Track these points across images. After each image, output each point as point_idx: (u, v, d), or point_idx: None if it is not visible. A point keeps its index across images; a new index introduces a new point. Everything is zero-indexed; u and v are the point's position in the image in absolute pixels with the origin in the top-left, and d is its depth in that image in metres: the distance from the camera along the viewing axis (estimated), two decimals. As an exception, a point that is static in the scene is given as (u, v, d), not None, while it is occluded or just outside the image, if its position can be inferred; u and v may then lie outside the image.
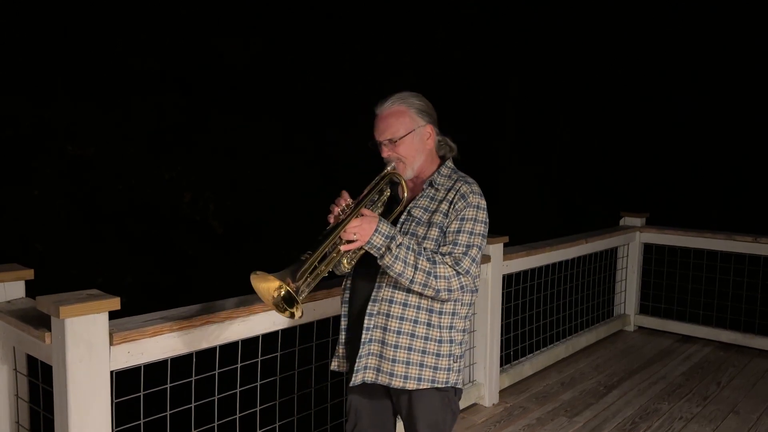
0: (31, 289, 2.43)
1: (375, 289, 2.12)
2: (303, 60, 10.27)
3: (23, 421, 2.43)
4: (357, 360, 2.12)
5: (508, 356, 4.34)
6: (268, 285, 1.86)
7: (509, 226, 4.09)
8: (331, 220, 2.00)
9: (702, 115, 11.87)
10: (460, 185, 2.14)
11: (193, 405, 2.47)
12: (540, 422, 3.74)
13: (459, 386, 2.19)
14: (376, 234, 1.97)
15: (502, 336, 4.11)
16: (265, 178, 9.65)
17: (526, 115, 12.65)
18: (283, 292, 1.85)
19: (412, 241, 2.03)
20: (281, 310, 1.88)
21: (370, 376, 2.12)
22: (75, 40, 8.30)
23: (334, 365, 2.31)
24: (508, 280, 4.18)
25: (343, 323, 2.26)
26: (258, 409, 2.70)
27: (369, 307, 2.12)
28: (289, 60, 10.15)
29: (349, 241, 1.96)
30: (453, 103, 10.95)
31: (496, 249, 3.91)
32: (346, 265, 2.11)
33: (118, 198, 8.56)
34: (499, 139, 12.51)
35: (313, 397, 2.99)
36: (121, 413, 2.24)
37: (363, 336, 2.12)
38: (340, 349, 2.29)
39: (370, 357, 2.12)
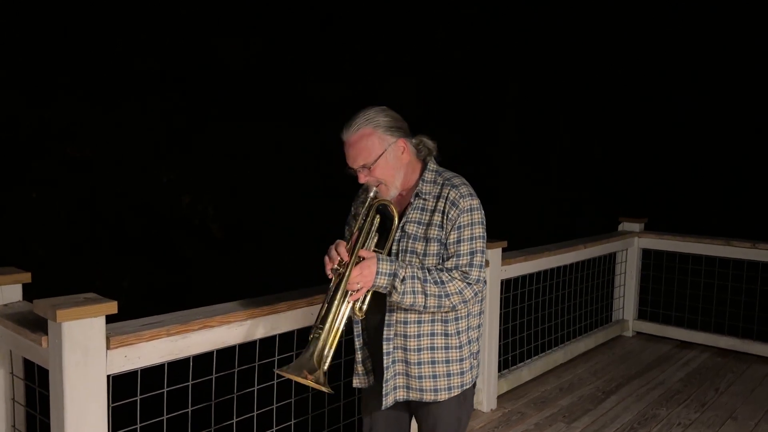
0: (29, 293, 2.43)
1: (387, 314, 2.11)
2: (303, 61, 10.28)
3: (19, 425, 2.42)
4: (384, 384, 2.12)
5: (506, 361, 4.33)
6: (298, 379, 1.89)
7: (507, 230, 4.08)
8: (329, 274, 1.99)
9: (700, 120, 11.89)
10: (447, 191, 2.08)
11: (189, 409, 2.47)
12: (538, 428, 3.73)
13: (475, 378, 2.22)
14: (379, 276, 1.97)
15: (500, 341, 4.11)
16: (264, 180, 9.65)
17: (526, 118, 12.66)
18: (312, 380, 1.88)
19: (416, 268, 2.01)
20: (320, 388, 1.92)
21: (401, 395, 2.14)
22: (74, 42, 8.31)
23: (356, 383, 2.31)
24: (506, 285, 4.18)
25: (358, 343, 2.26)
26: (255, 413, 2.69)
27: (385, 332, 2.11)
28: (289, 61, 10.16)
29: (355, 291, 1.97)
30: (453, 105, 10.97)
31: (495, 254, 3.91)
32: (357, 313, 2.05)
33: (116, 200, 8.56)
34: (498, 143, 12.52)
35: (311, 403, 2.98)
36: (118, 418, 2.23)
37: (385, 361, 2.12)
38: (359, 368, 2.28)
39: (397, 377, 2.13)
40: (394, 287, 1.97)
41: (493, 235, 4.01)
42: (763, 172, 11.34)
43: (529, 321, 4.50)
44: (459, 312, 2.11)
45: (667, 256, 5.47)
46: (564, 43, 12.28)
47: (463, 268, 2.04)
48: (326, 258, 2.00)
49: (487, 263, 3.85)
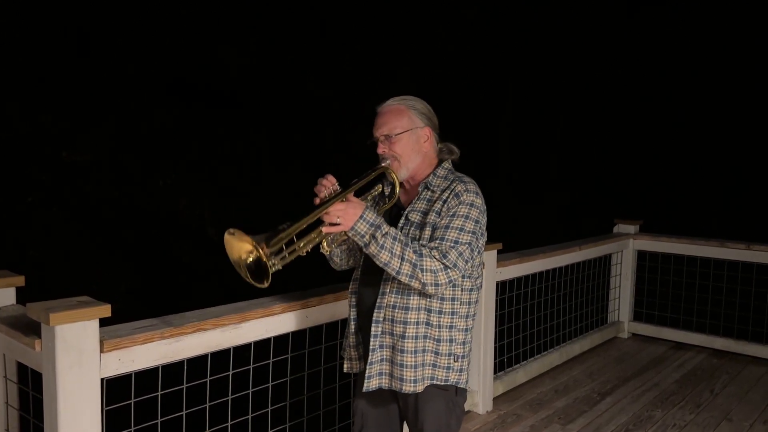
0: (23, 296, 2.43)
1: (379, 297, 2.14)
2: (301, 63, 10.29)
3: (13, 429, 2.42)
4: (368, 366, 2.13)
5: (502, 363, 4.34)
6: (240, 245, 1.83)
7: (503, 232, 4.09)
8: (317, 202, 1.99)
9: (696, 122, 11.92)
10: (455, 185, 2.12)
11: (184, 412, 2.47)
12: (533, 430, 3.74)
13: (461, 386, 2.19)
14: (361, 221, 1.96)
15: (495, 343, 4.11)
16: (261, 184, 9.65)
17: (523, 119, 12.68)
18: (252, 257, 1.82)
19: (400, 233, 2.02)
20: (246, 275, 1.84)
21: (385, 382, 2.15)
22: (71, 46, 8.31)
23: (347, 367, 2.32)
24: (502, 287, 4.18)
25: (352, 326, 2.28)
26: (250, 416, 2.69)
27: (375, 314, 2.14)
28: (288, 63, 10.16)
29: (333, 224, 1.96)
30: (450, 106, 10.99)
31: (490, 256, 3.92)
32: (326, 247, 2.09)
33: (112, 204, 8.55)
34: (495, 144, 12.54)
35: (306, 406, 2.98)
36: (112, 421, 2.23)
37: (372, 342, 2.13)
38: (352, 352, 2.29)
39: (383, 363, 2.14)
40: (373, 237, 1.97)
41: (488, 236, 4.04)
42: (758, 173, 11.38)
43: (525, 323, 4.51)
44: (444, 305, 2.11)
45: (663, 257, 5.48)
46: (562, 44, 12.31)
47: (443, 249, 2.02)
48: (317, 187, 2.01)
49: (483, 265, 3.86)
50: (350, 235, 1.99)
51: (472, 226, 2.08)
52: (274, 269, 1.83)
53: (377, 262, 2.01)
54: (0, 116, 7.81)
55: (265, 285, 1.84)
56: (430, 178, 2.19)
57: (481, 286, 2.28)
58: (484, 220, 2.15)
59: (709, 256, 5.22)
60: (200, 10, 9.41)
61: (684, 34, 11.83)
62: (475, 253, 2.13)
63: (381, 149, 2.18)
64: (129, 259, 8.36)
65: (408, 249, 1.99)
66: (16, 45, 7.88)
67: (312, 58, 10.35)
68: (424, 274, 1.99)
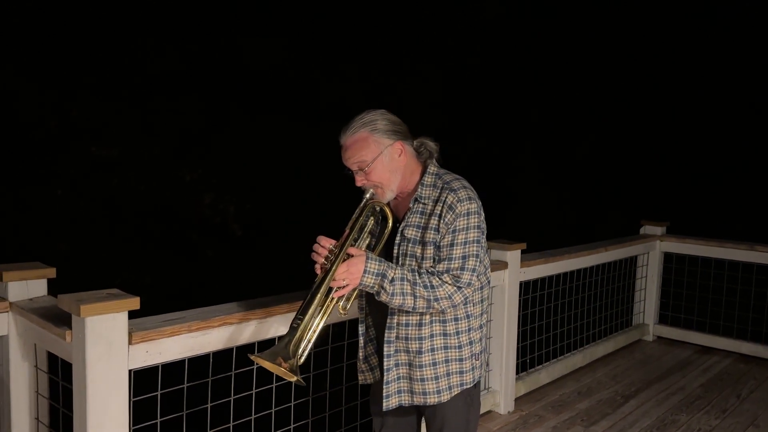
0: (54, 288, 2.47)
1: (389, 316, 2.12)
2: (326, 62, 10.31)
3: (42, 417, 2.47)
4: (385, 386, 2.13)
5: (524, 364, 4.32)
6: (267, 365, 1.88)
7: (527, 232, 4.07)
8: (318, 270, 1.98)
9: (725, 123, 11.73)
10: (445, 195, 2.04)
11: (209, 405, 2.50)
12: (555, 431, 3.72)
13: (477, 379, 2.21)
14: (366, 275, 1.96)
15: (518, 343, 4.09)
16: (285, 179, 9.70)
17: (548, 120, 12.59)
18: (284, 369, 1.86)
19: (406, 270, 2.00)
20: (288, 377, 1.90)
21: (405, 399, 2.15)
22: (99, 41, 8.42)
23: (361, 379, 2.33)
24: (525, 287, 4.16)
25: (366, 338, 2.29)
26: (273, 410, 2.72)
27: (386, 335, 2.13)
28: (313, 62, 10.20)
29: (340, 287, 1.96)
30: (475, 108, 10.95)
31: (514, 255, 3.90)
32: (341, 310, 2.06)
33: (139, 198, 8.66)
34: (519, 145, 12.46)
35: (328, 401, 3.00)
36: (139, 412, 2.27)
37: (386, 363, 2.13)
38: (363, 365, 2.30)
39: (400, 381, 2.14)
40: (382, 287, 1.97)
41: (512, 236, 4.02)
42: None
43: (548, 324, 4.48)
44: (458, 313, 2.11)
45: (690, 260, 5.41)
46: (588, 46, 12.19)
47: (454, 272, 2.02)
48: (313, 254, 2.00)
49: (505, 265, 3.85)
50: (359, 288, 2.01)
51: (475, 235, 2.05)
52: (301, 361, 1.90)
53: (391, 306, 2.03)
54: (31, 112, 7.96)
55: (298, 380, 1.88)
56: (420, 190, 2.11)
57: (490, 281, 2.26)
58: (483, 221, 2.11)
59: (737, 259, 5.13)
60: (228, 7, 9.48)
61: (715, 35, 11.64)
62: (482, 256, 2.12)
63: (359, 182, 2.11)
64: (154, 252, 8.47)
65: (418, 287, 1.98)
66: (44, 41, 8.01)
67: (334, 56, 10.37)
68: (440, 302, 2.01)
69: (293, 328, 1.89)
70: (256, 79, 9.73)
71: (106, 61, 8.47)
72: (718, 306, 5.23)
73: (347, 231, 2.04)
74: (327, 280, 1.93)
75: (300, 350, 1.90)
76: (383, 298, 1.99)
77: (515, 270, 3.93)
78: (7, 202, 7.57)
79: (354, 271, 1.95)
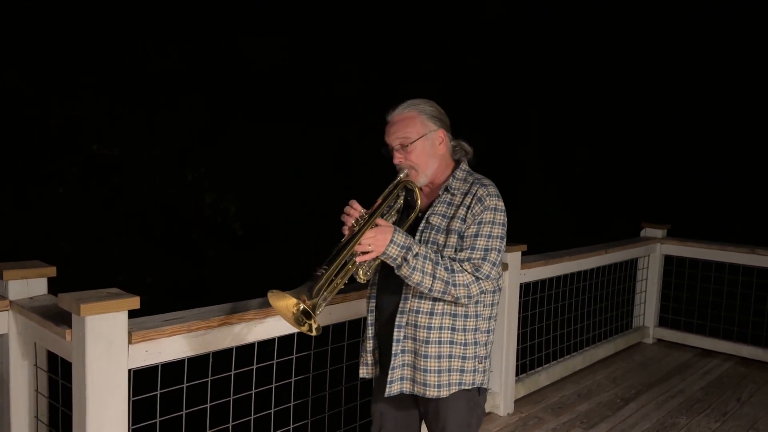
0: (54, 287, 2.47)
1: (402, 301, 2.13)
2: (327, 62, 10.32)
3: (42, 416, 2.47)
4: (390, 371, 2.13)
5: (524, 366, 4.31)
6: (285, 302, 1.86)
7: (527, 234, 4.07)
8: (346, 231, 2.00)
9: (726, 126, 11.72)
10: (476, 189, 2.12)
11: (208, 405, 2.50)
12: (555, 433, 3.72)
13: (483, 386, 2.20)
14: (392, 244, 1.97)
15: (518, 345, 4.09)
16: (286, 180, 9.70)
17: (549, 122, 12.58)
18: (301, 308, 1.85)
19: (430, 251, 2.03)
20: (300, 325, 1.89)
21: (407, 387, 2.15)
22: (102, 41, 8.43)
23: (363, 373, 2.32)
24: (526, 288, 4.16)
25: (370, 332, 2.28)
26: (273, 411, 2.72)
27: (397, 319, 2.13)
28: (314, 62, 10.20)
29: (365, 252, 1.97)
30: (476, 108, 10.95)
31: (514, 257, 3.90)
32: (362, 276, 2.09)
33: (140, 198, 8.66)
34: (520, 146, 12.46)
35: (327, 401, 3.00)
36: (138, 411, 2.27)
37: (394, 348, 2.13)
38: (369, 357, 2.29)
39: (405, 368, 2.15)
40: (405, 260, 1.98)
41: (513, 238, 4.00)
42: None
43: (548, 325, 4.48)
44: (468, 309, 2.12)
45: (690, 263, 5.41)
46: (589, 46, 12.18)
47: (476, 261, 2.04)
48: (344, 216, 2.02)
49: (505, 266, 3.85)
50: (382, 258, 2.01)
51: (499, 231, 2.10)
52: (319, 312, 1.87)
53: (409, 282, 2.03)
54: (33, 110, 7.96)
55: (315, 329, 1.87)
56: (451, 180, 2.18)
57: (501, 287, 2.27)
58: (506, 222, 2.15)
59: (738, 262, 5.13)
60: (230, 7, 9.48)
61: (715, 36, 11.63)
62: (501, 258, 2.14)
63: (397, 159, 2.16)
64: (155, 252, 8.47)
65: (439, 267, 2.00)
66: (46, 40, 8.02)
67: (336, 57, 10.37)
68: (457, 289, 2.01)
69: (317, 276, 1.87)
70: (256, 80, 9.74)
71: (107, 60, 8.47)
72: (719, 309, 5.23)
73: (379, 200, 2.08)
74: (353, 242, 1.94)
75: (320, 296, 1.87)
76: (404, 272, 1.99)
77: (515, 271, 3.93)
78: (9, 200, 7.57)
79: (381, 239, 1.96)
